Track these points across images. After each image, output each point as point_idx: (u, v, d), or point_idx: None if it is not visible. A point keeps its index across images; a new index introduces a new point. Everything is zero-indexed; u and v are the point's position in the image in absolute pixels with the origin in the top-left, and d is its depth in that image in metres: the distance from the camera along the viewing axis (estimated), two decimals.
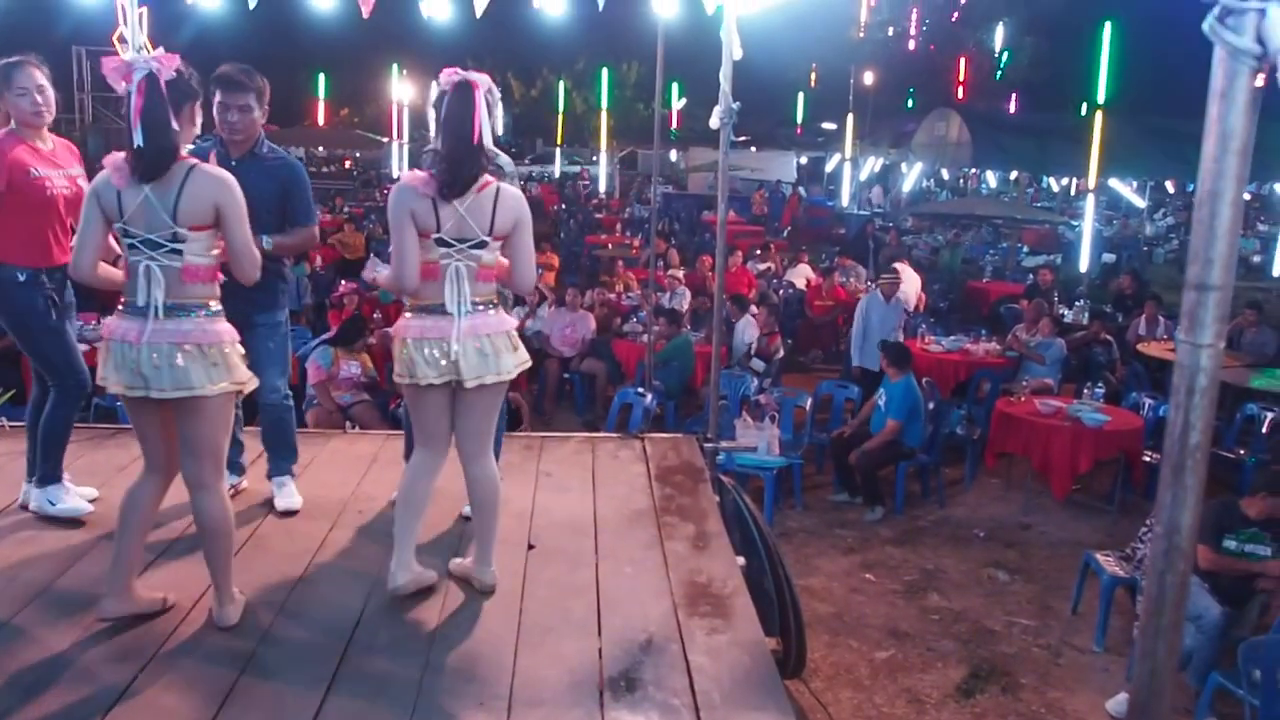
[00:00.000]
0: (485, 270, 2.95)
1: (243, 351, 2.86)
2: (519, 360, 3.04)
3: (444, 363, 2.91)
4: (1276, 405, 7.41)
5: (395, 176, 23.03)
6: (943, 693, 4.50)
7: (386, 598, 3.05)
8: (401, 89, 28.49)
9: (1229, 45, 1.29)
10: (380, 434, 5.08)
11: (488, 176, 2.92)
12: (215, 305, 2.80)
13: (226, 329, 2.80)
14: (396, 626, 2.94)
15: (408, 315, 2.99)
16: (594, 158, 28.86)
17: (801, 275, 12.77)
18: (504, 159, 3.52)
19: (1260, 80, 1.33)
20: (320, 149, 31.92)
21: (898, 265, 12.59)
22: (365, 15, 4.62)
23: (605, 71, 28.28)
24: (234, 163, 3.60)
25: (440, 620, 2.97)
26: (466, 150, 2.84)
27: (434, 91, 3.03)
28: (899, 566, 5.87)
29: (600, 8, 4.91)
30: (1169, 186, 24.23)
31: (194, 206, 2.66)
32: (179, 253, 2.68)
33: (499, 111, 2.97)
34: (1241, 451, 7.00)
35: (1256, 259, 18.90)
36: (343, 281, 9.88)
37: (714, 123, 4.31)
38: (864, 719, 4.29)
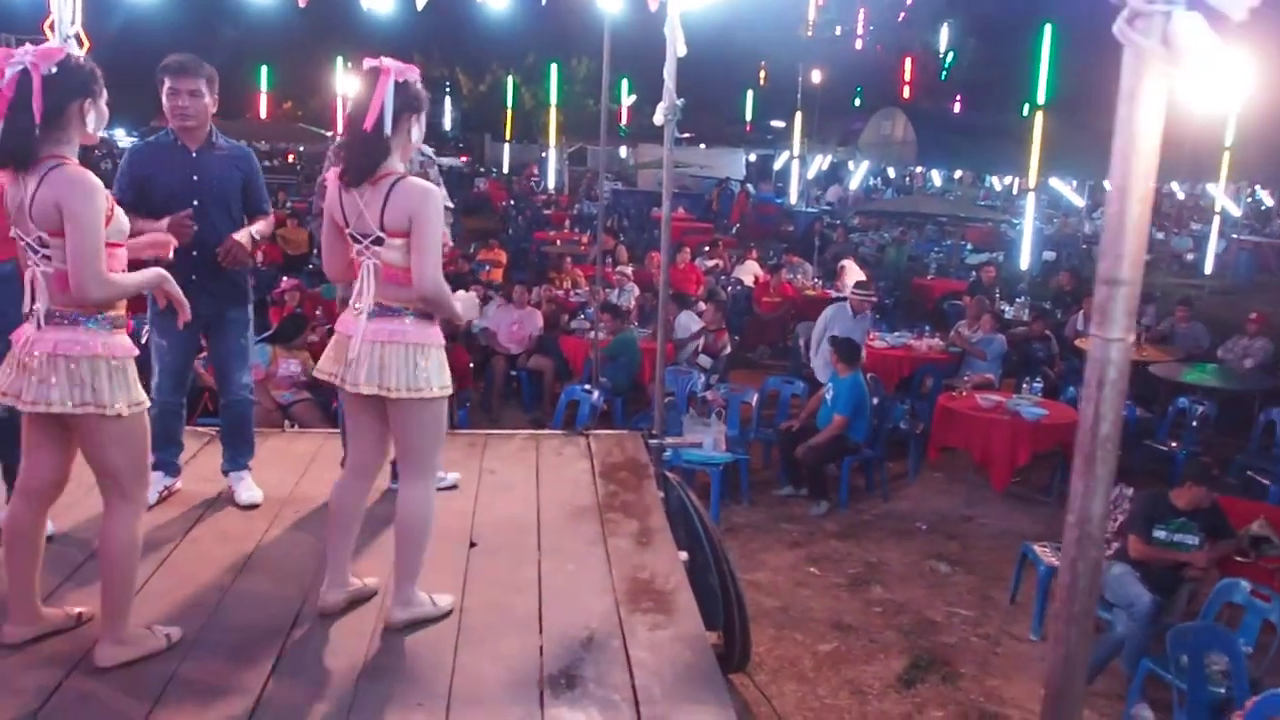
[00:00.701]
0: (391, 270, 2.73)
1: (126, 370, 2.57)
2: (411, 384, 2.72)
3: (339, 363, 2.80)
4: (1207, 399, 7.64)
5: None
6: (884, 683, 4.57)
7: None
8: (346, 82, 28.03)
9: (1137, 47, 1.33)
10: (319, 433, 5.00)
11: (393, 168, 2.73)
12: (111, 314, 2.55)
13: (108, 345, 2.52)
14: (333, 627, 2.90)
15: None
16: (543, 153, 28.65)
17: (749, 272, 12.85)
18: (427, 148, 3.49)
19: (1174, 81, 1.36)
20: (263, 142, 31.24)
21: (844, 262, 12.74)
22: (301, 3, 4.54)
23: (555, 67, 28.13)
24: (194, 154, 3.57)
25: (379, 620, 2.94)
26: (361, 137, 2.68)
27: None
28: (843, 560, 5.94)
29: (544, 2, 4.90)
30: (1107, 186, 24.83)
31: (42, 209, 2.44)
32: (50, 258, 2.48)
33: (425, 107, 2.81)
34: (1174, 444, 7.21)
35: (1189, 257, 19.43)
36: (284, 278, 9.69)
37: (658, 119, 4.32)
38: (808, 711, 4.34)
